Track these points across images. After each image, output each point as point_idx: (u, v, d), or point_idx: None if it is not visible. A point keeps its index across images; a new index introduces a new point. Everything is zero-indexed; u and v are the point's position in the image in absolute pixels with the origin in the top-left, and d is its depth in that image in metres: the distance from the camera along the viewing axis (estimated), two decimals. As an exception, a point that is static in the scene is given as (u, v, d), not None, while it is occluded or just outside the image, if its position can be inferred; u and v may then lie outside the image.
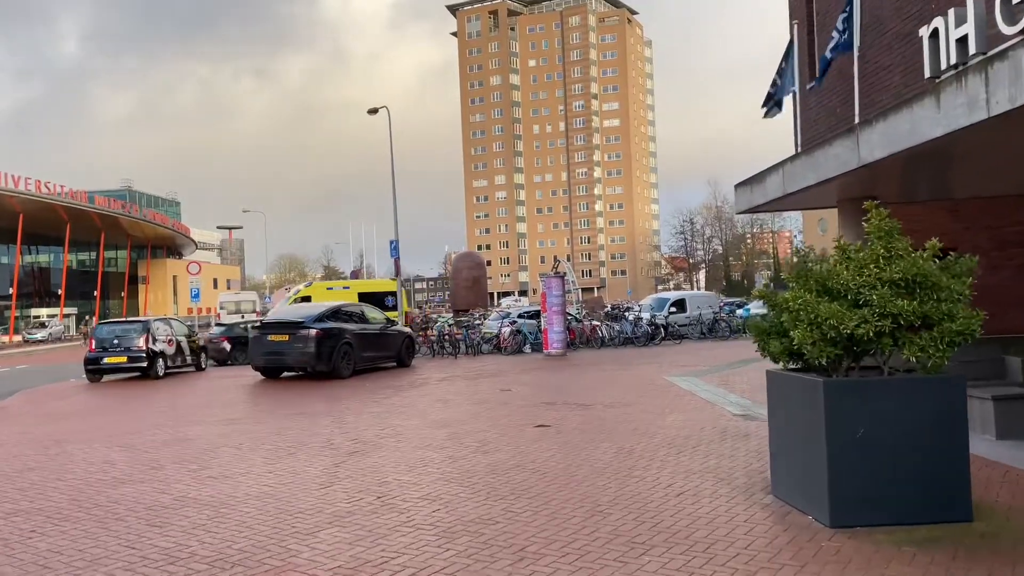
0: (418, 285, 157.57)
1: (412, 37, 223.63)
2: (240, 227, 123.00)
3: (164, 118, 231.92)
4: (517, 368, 18.31)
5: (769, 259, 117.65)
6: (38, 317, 70.80)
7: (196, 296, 29.64)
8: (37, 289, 76.22)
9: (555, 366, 18.66)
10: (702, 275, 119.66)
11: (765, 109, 11.79)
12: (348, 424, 10.57)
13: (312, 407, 12.55)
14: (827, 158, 7.93)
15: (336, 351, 16.33)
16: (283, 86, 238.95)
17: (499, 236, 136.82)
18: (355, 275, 28.72)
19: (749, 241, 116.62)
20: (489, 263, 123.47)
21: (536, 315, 23.80)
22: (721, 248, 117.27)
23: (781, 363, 6.11)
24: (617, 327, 24.86)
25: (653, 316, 25.72)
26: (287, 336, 16.17)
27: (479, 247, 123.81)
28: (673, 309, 28.01)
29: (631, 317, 25.77)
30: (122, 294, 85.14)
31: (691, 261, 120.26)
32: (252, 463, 8.14)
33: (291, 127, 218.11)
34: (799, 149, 12.28)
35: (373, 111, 27.10)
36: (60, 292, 72.72)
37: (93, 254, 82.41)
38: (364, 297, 26.13)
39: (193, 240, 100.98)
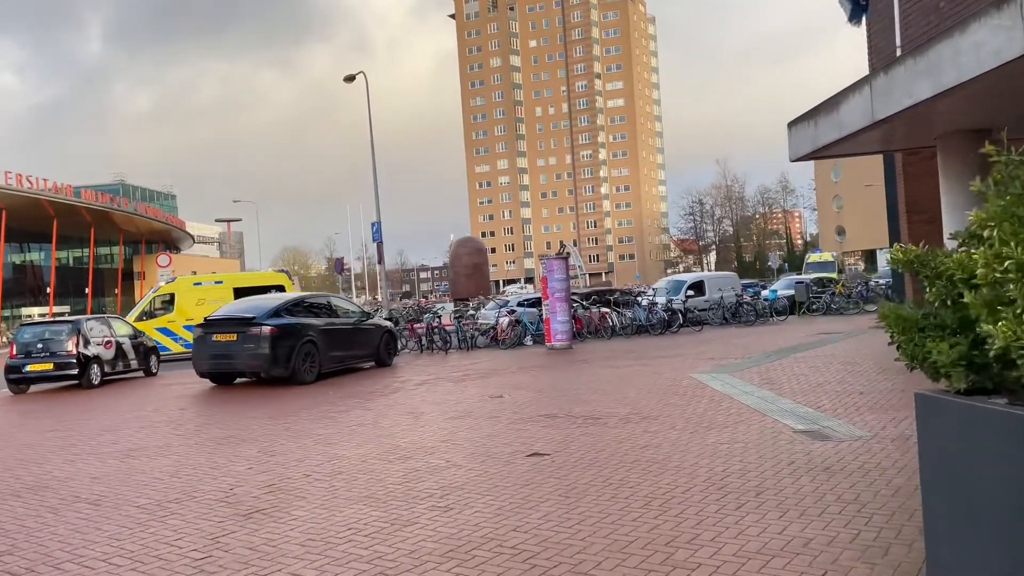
0: (423, 275, 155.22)
1: (433, 23, 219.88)
2: (239, 219, 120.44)
3: (183, 113, 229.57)
4: (514, 365, 15.60)
5: (781, 239, 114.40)
6: (29, 316, 68.61)
7: (166, 290, 26.98)
8: (29, 288, 73.92)
9: (559, 362, 15.95)
10: (712, 257, 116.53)
11: (848, 15, 9.00)
12: (277, 456, 7.89)
13: (248, 427, 9.88)
14: (958, 51, 5.13)
15: (296, 352, 13.66)
16: (302, 77, 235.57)
17: (503, 222, 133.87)
18: (339, 265, 25.78)
19: (758, 220, 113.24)
20: (493, 250, 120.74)
21: (537, 303, 21.06)
22: (731, 229, 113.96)
23: (953, 380, 3.35)
24: (629, 314, 22.11)
25: (669, 301, 22.94)
26: (235, 335, 13.49)
27: (482, 234, 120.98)
28: (691, 292, 25.24)
29: (644, 302, 23.01)
30: (116, 291, 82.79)
31: (701, 243, 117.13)
32: (96, 536, 5.46)
33: (308, 118, 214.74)
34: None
35: (350, 78, 24.36)
36: (49, 290, 70.26)
37: (87, 250, 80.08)
38: (243, 292, 22.84)
39: (190, 234, 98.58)
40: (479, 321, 22.83)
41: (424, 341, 20.05)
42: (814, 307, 25.77)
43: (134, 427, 10.36)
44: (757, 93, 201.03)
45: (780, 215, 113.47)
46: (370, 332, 16.16)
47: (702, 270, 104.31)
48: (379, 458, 7.50)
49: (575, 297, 23.20)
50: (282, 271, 26.84)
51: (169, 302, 24.04)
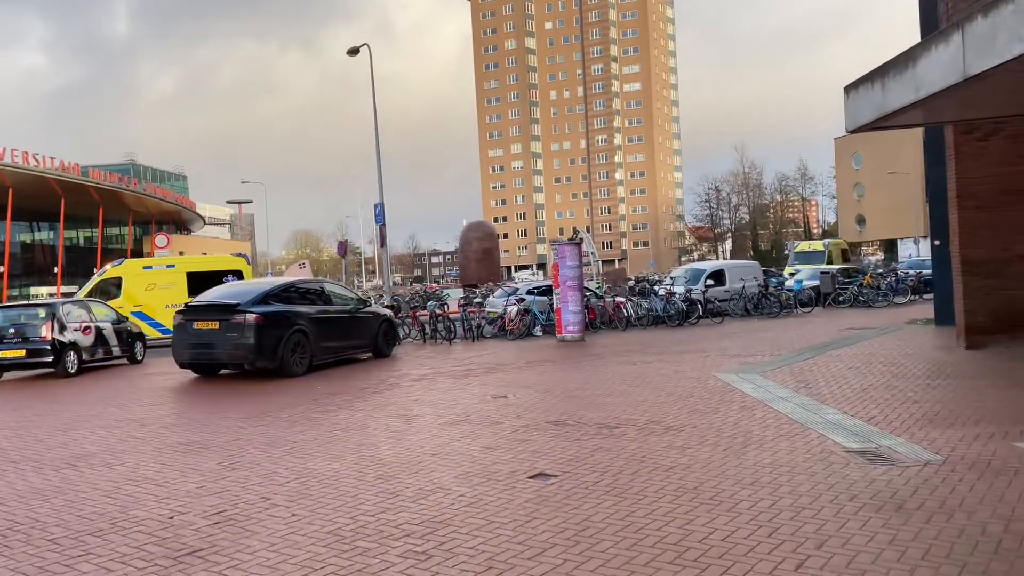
0: (434, 259, 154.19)
1: (455, 5, 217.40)
2: (250, 201, 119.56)
3: (208, 95, 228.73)
4: (522, 359, 14.44)
5: (798, 228, 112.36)
6: (37, 296, 68.11)
7: (165, 272, 25.92)
8: (37, 267, 73.42)
9: (570, 356, 14.77)
10: (728, 245, 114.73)
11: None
12: (239, 470, 6.76)
13: (217, 430, 8.77)
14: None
15: (284, 342, 12.55)
16: (327, 60, 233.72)
17: (516, 207, 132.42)
18: (342, 248, 24.58)
19: (774, 209, 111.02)
20: (505, 235, 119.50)
21: (548, 291, 19.87)
22: (748, 217, 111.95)
23: None
24: (645, 304, 20.87)
25: (688, 291, 21.66)
26: (217, 323, 12.38)
27: (495, 219, 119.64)
28: (710, 282, 23.95)
29: (661, 291, 21.75)
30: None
31: (716, 231, 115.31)
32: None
33: (327, 102, 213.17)
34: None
35: (353, 51, 23.14)
36: (56, 270, 69.69)
37: (96, 230, 79.48)
38: (197, 278, 21.58)
39: (200, 215, 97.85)
40: (487, 309, 21.69)
41: (427, 330, 18.92)
42: (841, 299, 24.43)
43: (92, 426, 9.28)
44: (777, 78, 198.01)
45: (798, 203, 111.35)
46: (367, 321, 15.02)
47: (717, 258, 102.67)
48: (356, 475, 6.37)
49: (589, 286, 22.05)
50: (239, 255, 25.22)
51: (117, 286, 22.48)
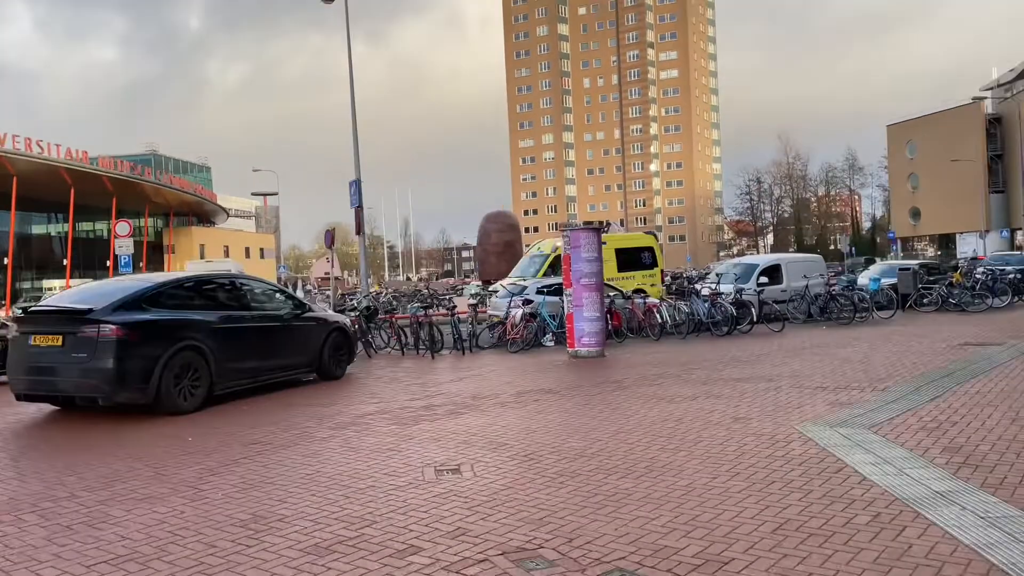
0: (464, 253, 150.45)
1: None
2: (275, 193, 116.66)
3: (273, 89, 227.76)
4: (514, 386, 10.41)
5: (842, 223, 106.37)
6: (51, 289, 65.82)
7: (127, 265, 22.48)
8: (43, 260, 71.16)
9: (581, 382, 10.69)
10: (769, 239, 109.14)
11: None
12: None
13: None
14: None
15: (162, 365, 8.66)
16: (394, 53, 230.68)
17: (546, 200, 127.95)
18: (329, 238, 20.99)
19: (814, 204, 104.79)
20: (536, 228, 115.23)
21: (561, 289, 15.78)
22: (791, 210, 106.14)
23: None
24: (685, 307, 16.67)
25: (739, 291, 17.36)
26: (60, 338, 8.54)
27: (525, 212, 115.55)
28: (763, 279, 19.65)
29: (705, 291, 17.50)
30: (140, 264, 79.78)
31: (757, 224, 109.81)
32: None
33: (396, 95, 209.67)
34: None
35: (329, -1, 19.36)
36: (66, 262, 67.24)
37: (111, 222, 77.11)
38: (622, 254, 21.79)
39: (223, 207, 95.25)
40: (489, 311, 17.72)
41: (406, 338, 14.98)
42: (925, 301, 19.97)
43: None
44: (822, 67, 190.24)
45: (845, 196, 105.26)
46: (305, 332, 11.06)
47: (758, 253, 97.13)
48: None
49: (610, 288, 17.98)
50: (650, 232, 24.82)
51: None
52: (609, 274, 20.00)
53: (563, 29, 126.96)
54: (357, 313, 15.25)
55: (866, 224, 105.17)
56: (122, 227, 23.26)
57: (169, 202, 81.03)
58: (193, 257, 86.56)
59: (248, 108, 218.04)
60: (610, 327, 15.42)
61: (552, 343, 15.43)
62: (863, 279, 21.38)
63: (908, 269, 21.32)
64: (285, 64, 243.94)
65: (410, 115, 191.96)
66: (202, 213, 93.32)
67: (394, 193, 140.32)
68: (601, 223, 29.99)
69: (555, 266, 21.41)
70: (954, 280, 20.25)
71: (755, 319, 16.72)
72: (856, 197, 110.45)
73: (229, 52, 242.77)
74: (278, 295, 11.30)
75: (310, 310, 11.52)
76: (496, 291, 19.97)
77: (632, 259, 22.88)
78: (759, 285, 18.94)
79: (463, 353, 14.52)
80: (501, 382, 10.85)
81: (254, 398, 10.08)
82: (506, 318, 15.60)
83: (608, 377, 10.92)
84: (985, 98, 70.89)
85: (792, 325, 17.44)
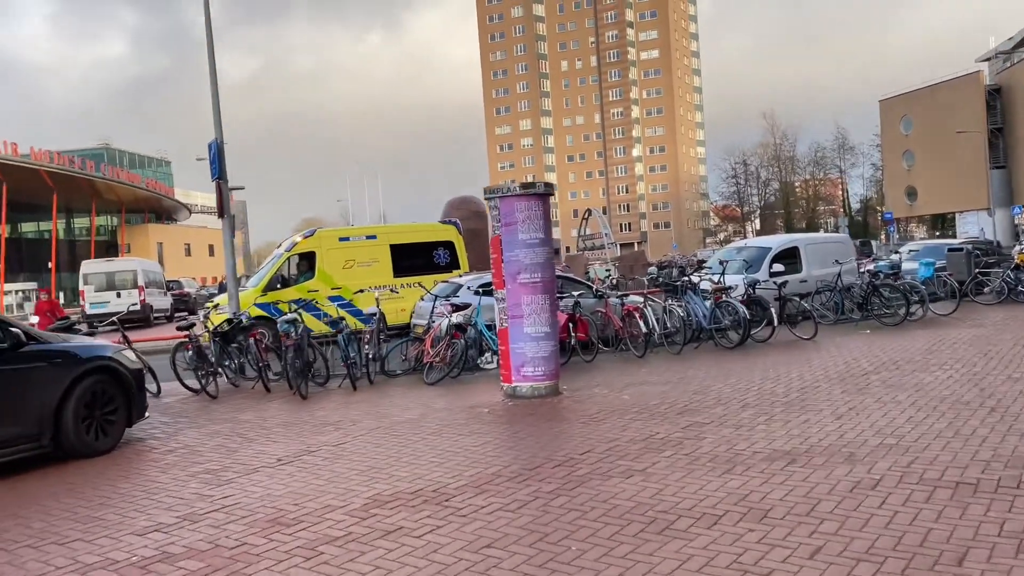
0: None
1: None
2: (242, 187, 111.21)
3: (278, 81, 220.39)
4: (381, 478, 5.78)
5: (831, 205, 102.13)
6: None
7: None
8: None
9: (509, 465, 6.07)
10: (757, 224, 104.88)
11: None
12: None
13: None
14: None
15: None
16: (404, 43, 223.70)
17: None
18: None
19: (801, 185, 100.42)
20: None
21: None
22: (779, 193, 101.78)
23: None
24: (680, 308, 12.03)
25: (751, 284, 12.72)
26: None
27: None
28: (777, 266, 15.05)
29: (706, 285, 12.86)
30: (88, 265, 74.38)
31: (744, 209, 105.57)
32: None
33: (392, 88, 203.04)
34: None
35: None
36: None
37: (81, 220, 71.94)
38: (401, 252, 17.60)
39: (182, 203, 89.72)
40: (413, 322, 13.12)
41: (284, 366, 10.27)
42: (985, 290, 15.53)
43: None
44: (808, 44, 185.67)
45: (836, 178, 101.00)
46: (24, 380, 6.39)
47: (745, 238, 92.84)
48: None
49: (596, 270, 13.28)
50: (449, 222, 19.74)
51: (309, 264, 16.83)
52: (381, 280, 16.66)
53: (538, 10, 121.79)
54: (209, 331, 10.54)
55: (855, 206, 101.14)
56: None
57: (122, 198, 75.60)
58: (149, 256, 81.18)
59: (259, 97, 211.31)
60: (574, 340, 10.84)
61: (493, 365, 10.81)
62: (909, 263, 16.85)
63: (960, 250, 16.77)
64: (275, 58, 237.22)
65: (395, 105, 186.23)
66: (160, 210, 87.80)
67: (377, 185, 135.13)
68: (588, 214, 25.09)
69: (287, 276, 16.55)
70: (1019, 262, 15.80)
71: (776, 323, 12.12)
72: (845, 177, 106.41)
73: (226, 45, 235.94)
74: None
75: (37, 341, 6.78)
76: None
77: (418, 259, 17.60)
78: (772, 274, 14.36)
79: (353, 387, 9.82)
80: (363, 465, 6.17)
81: None
82: (427, 331, 10.96)
83: (556, 448, 6.27)
84: (981, 71, 66.89)
85: (823, 327, 12.88)
